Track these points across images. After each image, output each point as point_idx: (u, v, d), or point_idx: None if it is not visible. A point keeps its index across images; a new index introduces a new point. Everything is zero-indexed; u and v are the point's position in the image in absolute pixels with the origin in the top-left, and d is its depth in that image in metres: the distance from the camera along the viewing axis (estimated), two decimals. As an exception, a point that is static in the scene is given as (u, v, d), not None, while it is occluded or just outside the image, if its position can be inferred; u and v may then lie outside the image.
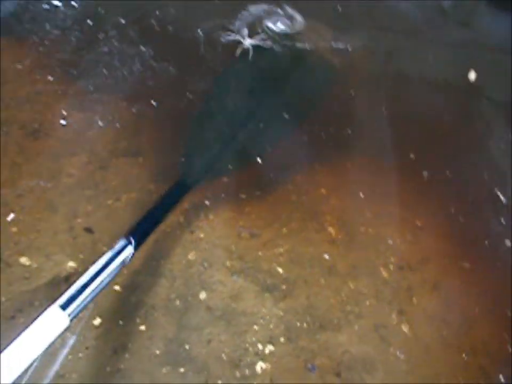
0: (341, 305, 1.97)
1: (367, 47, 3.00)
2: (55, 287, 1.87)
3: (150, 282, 1.93)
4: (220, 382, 1.75)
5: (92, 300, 1.49)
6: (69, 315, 1.40)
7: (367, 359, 1.87)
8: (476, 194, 2.38)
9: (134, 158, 2.28)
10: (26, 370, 1.34)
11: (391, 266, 2.05)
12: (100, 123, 2.38)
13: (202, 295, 1.93)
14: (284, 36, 2.89)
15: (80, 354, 1.73)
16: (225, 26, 2.88)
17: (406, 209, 2.25)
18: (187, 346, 1.81)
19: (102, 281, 1.53)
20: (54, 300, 1.40)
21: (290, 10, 3.03)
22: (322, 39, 2.93)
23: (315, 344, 1.87)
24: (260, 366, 1.80)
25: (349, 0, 3.25)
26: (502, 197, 2.32)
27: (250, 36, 2.87)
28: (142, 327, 1.83)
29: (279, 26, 2.94)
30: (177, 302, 1.90)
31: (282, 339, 1.87)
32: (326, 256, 2.07)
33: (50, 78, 2.53)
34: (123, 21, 2.85)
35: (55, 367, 1.70)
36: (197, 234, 2.08)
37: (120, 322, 1.83)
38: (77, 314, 1.44)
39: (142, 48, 2.71)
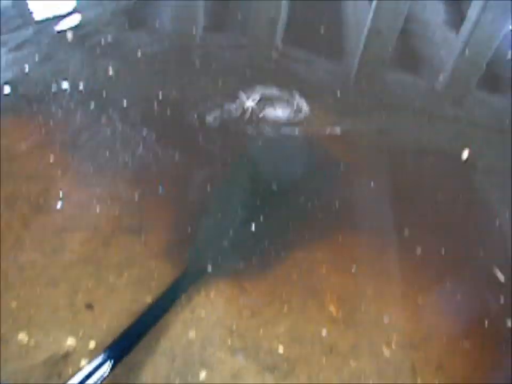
0: (343, 386, 1.93)
1: (361, 125, 3.18)
2: (52, 365, 1.82)
3: (150, 361, 1.89)
4: None
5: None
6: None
7: None
8: (472, 272, 2.42)
9: (136, 235, 2.31)
10: None
11: (393, 345, 2.03)
12: (104, 200, 2.44)
13: (203, 375, 1.89)
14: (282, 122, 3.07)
15: None
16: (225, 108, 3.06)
17: (407, 287, 2.27)
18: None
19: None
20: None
21: (296, 97, 3.24)
22: (321, 123, 3.10)
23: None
24: None
25: (347, 85, 3.49)
26: (500, 276, 2.36)
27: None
28: (142, 408, 1.78)
29: (279, 112, 3.12)
30: (177, 382, 1.85)
31: (284, 420, 1.82)
32: (327, 335, 2.05)
33: (55, 156, 2.62)
34: (125, 103, 3.01)
35: None
36: (197, 312, 2.07)
37: (119, 402, 1.77)
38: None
39: (145, 131, 2.84)
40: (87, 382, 1.69)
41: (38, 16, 3.79)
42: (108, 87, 3.17)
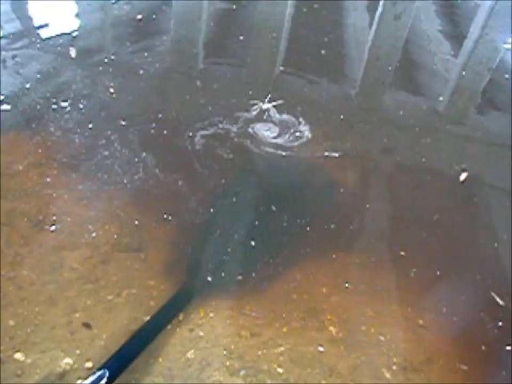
0: (343, 409, 1.91)
1: (361, 146, 3.22)
2: (48, 384, 1.80)
3: (148, 382, 1.87)
4: None
5: None
6: None
7: None
8: (468, 295, 2.41)
9: (135, 254, 2.31)
10: None
11: (394, 367, 2.01)
12: (103, 219, 2.43)
13: (201, 397, 1.87)
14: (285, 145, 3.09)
15: None
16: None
17: (407, 308, 2.26)
18: None
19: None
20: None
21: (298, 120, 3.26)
22: (321, 145, 3.13)
23: None
24: None
25: (350, 109, 3.52)
26: (498, 299, 2.35)
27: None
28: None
29: (278, 134, 3.15)
30: (176, 404, 1.83)
31: None
32: (327, 357, 2.03)
33: (54, 174, 2.62)
34: (123, 123, 3.01)
35: None
36: (196, 332, 2.05)
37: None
38: None
39: (143, 151, 2.84)
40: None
41: (42, 33, 3.83)
42: (108, 106, 3.18)
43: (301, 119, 3.30)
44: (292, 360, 2.02)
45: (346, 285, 2.31)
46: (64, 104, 3.11)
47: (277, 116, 3.30)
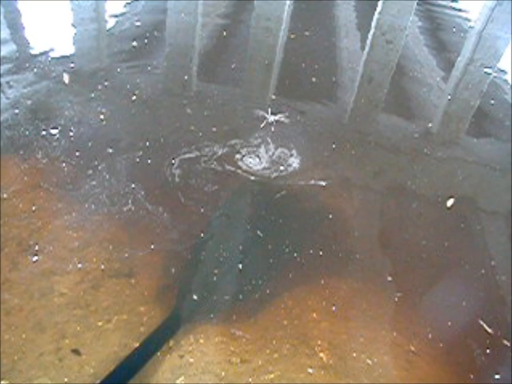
0: None
1: (353, 172, 3.25)
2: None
3: (137, 410, 1.85)
4: None
5: None
6: None
7: None
8: (457, 322, 2.41)
9: (126, 279, 2.29)
10: None
11: (385, 394, 2.01)
12: (93, 244, 2.42)
13: (191, 425, 1.84)
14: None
15: None
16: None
17: (398, 334, 2.26)
18: None
19: None
20: None
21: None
22: (311, 171, 3.15)
23: None
24: None
25: (343, 139, 3.57)
26: (486, 327, 2.36)
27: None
28: None
29: (268, 162, 3.17)
30: (165, 432, 1.80)
31: None
32: (318, 383, 2.02)
33: (44, 199, 2.61)
34: (110, 151, 3.02)
35: None
36: (186, 359, 2.03)
37: None
38: None
39: (130, 180, 2.84)
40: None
41: (36, 58, 3.86)
42: (97, 134, 3.18)
43: (292, 146, 3.34)
44: (282, 387, 2.00)
45: (337, 311, 2.31)
46: (54, 131, 3.11)
47: (269, 144, 3.34)
